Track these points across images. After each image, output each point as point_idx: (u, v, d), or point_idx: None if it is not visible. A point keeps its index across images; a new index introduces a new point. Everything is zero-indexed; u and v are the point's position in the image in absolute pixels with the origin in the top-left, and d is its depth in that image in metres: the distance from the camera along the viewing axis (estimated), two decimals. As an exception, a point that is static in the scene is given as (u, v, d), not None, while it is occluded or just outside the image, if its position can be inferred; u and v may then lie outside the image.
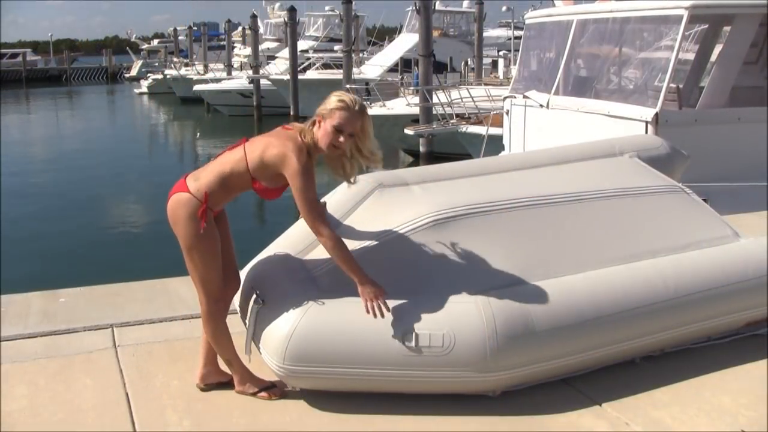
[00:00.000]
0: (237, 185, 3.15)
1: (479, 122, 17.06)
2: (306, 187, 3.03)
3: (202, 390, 3.39)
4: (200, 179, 3.14)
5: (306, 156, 3.06)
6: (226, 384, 3.38)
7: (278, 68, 36.95)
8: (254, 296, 3.28)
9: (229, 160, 3.14)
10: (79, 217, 16.10)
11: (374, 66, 33.31)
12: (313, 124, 3.14)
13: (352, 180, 3.33)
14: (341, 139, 3.09)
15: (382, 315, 3.04)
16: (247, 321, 3.32)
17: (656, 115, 8.52)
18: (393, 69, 31.99)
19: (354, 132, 3.12)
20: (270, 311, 3.18)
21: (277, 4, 53.39)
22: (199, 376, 3.41)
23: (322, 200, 3.35)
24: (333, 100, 3.11)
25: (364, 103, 3.19)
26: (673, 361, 3.65)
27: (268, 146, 3.08)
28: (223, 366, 3.39)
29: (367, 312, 3.04)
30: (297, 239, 3.59)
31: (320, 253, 3.42)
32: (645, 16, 9.62)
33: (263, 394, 3.30)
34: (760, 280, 3.78)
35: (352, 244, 3.37)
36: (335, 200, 3.72)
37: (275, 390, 3.31)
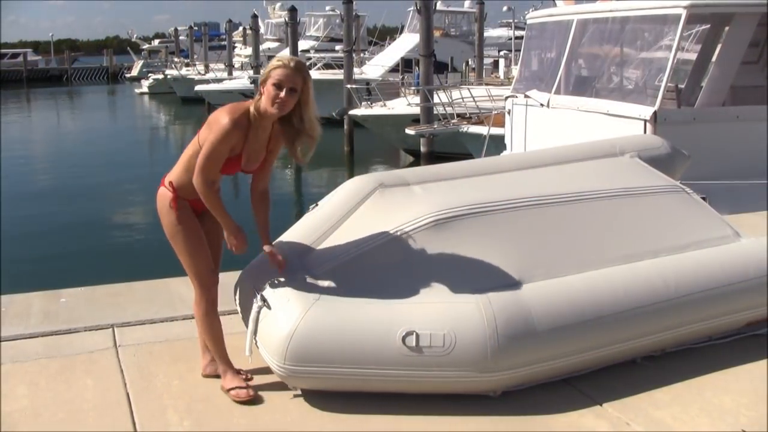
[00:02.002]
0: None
1: (480, 122, 17.02)
2: (216, 142, 3.05)
3: (205, 377, 3.45)
4: (171, 172, 3.28)
5: (235, 122, 3.08)
6: None
7: (279, 68, 36.85)
8: (255, 296, 3.28)
9: (189, 146, 3.25)
10: (79, 217, 16.09)
11: (375, 66, 33.30)
12: (260, 95, 3.17)
13: (305, 160, 3.33)
14: (282, 94, 3.09)
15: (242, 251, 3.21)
16: (248, 321, 3.32)
17: (654, 113, 8.53)
18: (394, 69, 31.95)
19: (295, 88, 3.11)
20: (271, 311, 3.18)
21: (278, 4, 53.31)
22: (203, 366, 3.50)
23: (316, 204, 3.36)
24: (271, 64, 3.16)
25: (303, 61, 3.22)
26: (674, 361, 3.65)
27: (211, 119, 3.16)
28: None
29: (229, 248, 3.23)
30: (298, 239, 3.59)
31: (322, 252, 3.42)
32: (644, 16, 9.65)
33: (233, 393, 3.28)
34: (760, 280, 3.78)
35: (353, 245, 3.38)
36: (336, 200, 3.72)
37: (244, 392, 3.26)
